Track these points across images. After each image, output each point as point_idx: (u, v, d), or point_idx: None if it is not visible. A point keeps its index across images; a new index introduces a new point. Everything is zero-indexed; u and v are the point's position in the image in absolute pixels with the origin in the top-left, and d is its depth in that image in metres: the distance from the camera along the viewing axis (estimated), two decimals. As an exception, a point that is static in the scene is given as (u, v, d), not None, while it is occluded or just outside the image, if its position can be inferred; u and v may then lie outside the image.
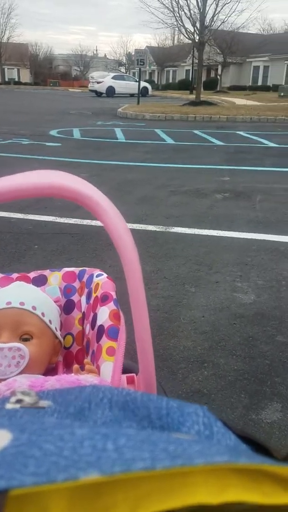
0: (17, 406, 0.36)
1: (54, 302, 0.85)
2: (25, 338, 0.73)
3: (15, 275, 0.90)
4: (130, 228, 0.50)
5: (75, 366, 0.72)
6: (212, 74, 40.56)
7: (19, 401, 0.36)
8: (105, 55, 71.06)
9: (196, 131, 10.43)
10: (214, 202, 4.40)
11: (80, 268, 0.92)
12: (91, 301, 0.84)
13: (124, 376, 0.73)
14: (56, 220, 3.81)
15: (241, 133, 10.25)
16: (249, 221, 3.79)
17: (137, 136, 9.47)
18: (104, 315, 0.78)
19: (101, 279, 0.85)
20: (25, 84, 50.27)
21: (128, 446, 0.22)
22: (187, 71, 43.67)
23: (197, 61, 26.94)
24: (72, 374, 0.68)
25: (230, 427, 0.32)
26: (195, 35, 17.35)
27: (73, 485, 0.19)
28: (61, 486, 0.19)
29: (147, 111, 14.12)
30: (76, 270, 0.92)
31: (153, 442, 0.23)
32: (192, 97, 23.60)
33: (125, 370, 0.73)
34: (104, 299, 0.80)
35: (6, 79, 50.93)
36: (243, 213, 4.01)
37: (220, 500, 0.20)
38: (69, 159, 6.54)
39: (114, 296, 0.81)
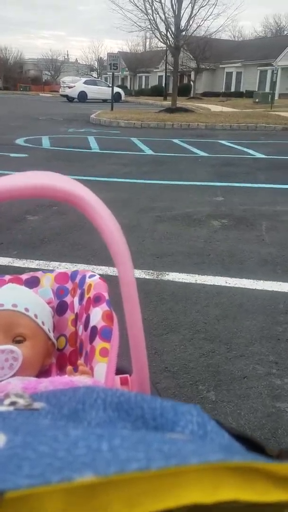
0: (11, 408, 0.36)
1: (47, 303, 0.84)
2: (18, 340, 0.72)
3: (7, 277, 0.89)
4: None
5: (69, 367, 0.73)
6: (185, 80, 40.22)
7: (12, 403, 0.36)
8: (76, 60, 70.08)
9: (175, 140, 9.68)
10: (212, 233, 3.60)
11: (73, 269, 0.92)
12: (84, 302, 0.83)
13: (117, 377, 0.71)
14: (13, 264, 2.91)
15: (223, 142, 9.57)
16: (262, 261, 2.99)
17: (113, 145, 8.62)
18: (97, 316, 0.77)
19: (94, 280, 0.84)
20: (-6, 88, 48.67)
21: (123, 446, 0.22)
22: (160, 77, 43.19)
23: (170, 67, 26.46)
24: (66, 376, 0.67)
25: (224, 426, 0.32)
26: (170, 39, 16.67)
27: (68, 486, 0.19)
28: (57, 488, 0.19)
29: (121, 118, 13.31)
30: (69, 271, 0.92)
31: (147, 442, 0.23)
32: (166, 103, 22.96)
33: (118, 371, 0.72)
34: (97, 300, 0.79)
35: (-26, 83, 49.19)
36: (251, 249, 3.21)
37: (214, 499, 0.20)
38: (35, 174, 5.61)
39: (107, 297, 0.79)
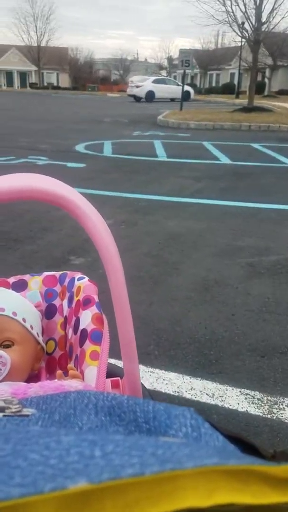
0: (0, 415, 0.35)
1: (35, 307, 0.82)
2: (6, 344, 0.71)
3: None
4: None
5: (59, 371, 0.71)
6: (259, 78, 37.95)
7: (1, 409, 0.35)
8: (146, 59, 69.60)
9: (255, 145, 8.33)
10: None
11: (61, 272, 0.90)
12: (73, 305, 0.82)
13: (108, 381, 0.71)
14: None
15: (314, 148, 8.06)
16: None
17: (182, 152, 7.48)
18: (86, 319, 0.76)
19: (83, 283, 0.82)
20: (64, 88, 49.41)
21: (116, 452, 0.22)
22: (232, 74, 41.25)
23: (244, 63, 24.71)
24: (56, 380, 0.65)
25: (218, 428, 0.32)
26: (249, 33, 15.12)
27: (61, 494, 0.19)
28: (49, 496, 0.19)
29: (191, 119, 12.11)
30: (57, 274, 0.89)
31: (141, 446, 0.23)
32: (239, 101, 21.37)
33: (109, 374, 0.71)
34: (87, 302, 0.78)
35: (45, 83, 50.28)
36: None
37: (210, 503, 0.20)
38: (90, 190, 4.59)
39: (97, 300, 0.78)
